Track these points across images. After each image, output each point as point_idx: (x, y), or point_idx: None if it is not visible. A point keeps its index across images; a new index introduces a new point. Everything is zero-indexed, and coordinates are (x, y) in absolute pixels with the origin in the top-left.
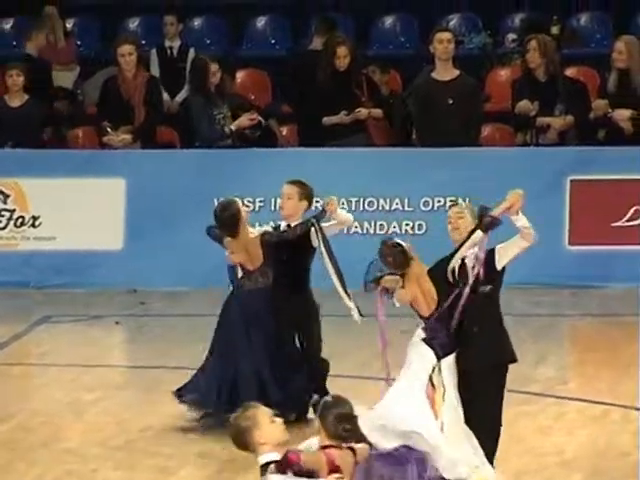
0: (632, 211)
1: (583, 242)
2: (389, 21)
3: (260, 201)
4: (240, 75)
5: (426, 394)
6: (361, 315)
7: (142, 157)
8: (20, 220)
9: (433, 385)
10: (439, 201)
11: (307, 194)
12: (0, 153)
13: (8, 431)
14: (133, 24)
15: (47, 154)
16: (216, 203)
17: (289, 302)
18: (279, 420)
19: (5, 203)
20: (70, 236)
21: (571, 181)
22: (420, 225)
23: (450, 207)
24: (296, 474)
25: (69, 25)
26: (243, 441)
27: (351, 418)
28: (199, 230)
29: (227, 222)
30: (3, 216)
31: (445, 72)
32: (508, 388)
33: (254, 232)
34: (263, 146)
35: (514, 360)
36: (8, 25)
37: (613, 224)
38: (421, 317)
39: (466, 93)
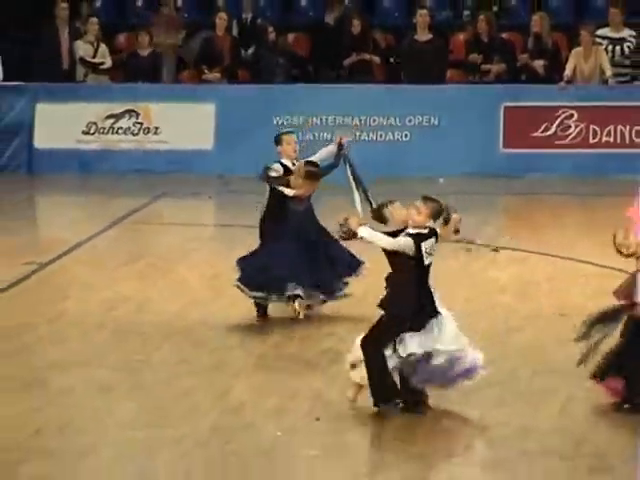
0: (543, 126)
1: (512, 146)
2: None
3: (303, 118)
4: (289, 36)
5: None
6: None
7: (226, 88)
8: (147, 129)
9: None
10: (418, 118)
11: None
12: (137, 86)
13: (144, 265)
14: (220, 1)
15: (165, 86)
16: (274, 120)
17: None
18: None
19: (137, 118)
20: (178, 140)
21: (504, 107)
22: (406, 134)
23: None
24: None
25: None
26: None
27: None
28: (263, 136)
29: (310, 174)
30: (136, 127)
31: (423, 35)
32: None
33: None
34: (304, 82)
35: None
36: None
37: (532, 134)
38: None
39: (436, 49)
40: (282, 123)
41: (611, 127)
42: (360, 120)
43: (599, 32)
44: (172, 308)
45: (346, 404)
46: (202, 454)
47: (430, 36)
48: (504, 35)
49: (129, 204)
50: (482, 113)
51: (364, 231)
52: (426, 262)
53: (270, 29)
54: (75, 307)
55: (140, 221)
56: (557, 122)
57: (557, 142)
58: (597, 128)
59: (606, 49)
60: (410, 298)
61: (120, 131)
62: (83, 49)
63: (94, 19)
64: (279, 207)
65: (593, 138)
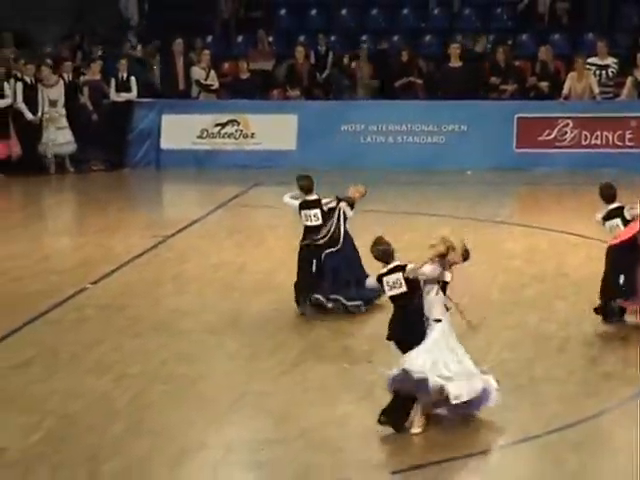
0: (547, 132)
1: (523, 147)
2: (428, 38)
3: (364, 125)
4: (354, 63)
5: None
6: None
7: (306, 103)
8: (245, 134)
9: None
10: (451, 126)
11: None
12: (238, 101)
13: (243, 237)
14: (301, 38)
15: (259, 102)
16: (342, 128)
17: None
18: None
19: (238, 126)
20: (269, 142)
21: (517, 117)
22: (442, 138)
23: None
24: None
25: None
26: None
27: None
28: (334, 139)
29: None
30: (237, 132)
31: (455, 63)
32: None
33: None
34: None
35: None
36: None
37: (538, 138)
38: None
39: (465, 74)
40: (348, 130)
41: (598, 132)
42: (407, 127)
43: (589, 60)
44: (264, 270)
45: None
46: (287, 380)
47: (460, 63)
48: (517, 62)
49: (232, 191)
50: (500, 122)
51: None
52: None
53: (346, 57)
54: (191, 269)
55: (240, 204)
56: (557, 129)
57: (557, 144)
58: (587, 133)
59: (594, 73)
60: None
61: (225, 136)
62: (198, 73)
63: (206, 50)
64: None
65: (585, 141)
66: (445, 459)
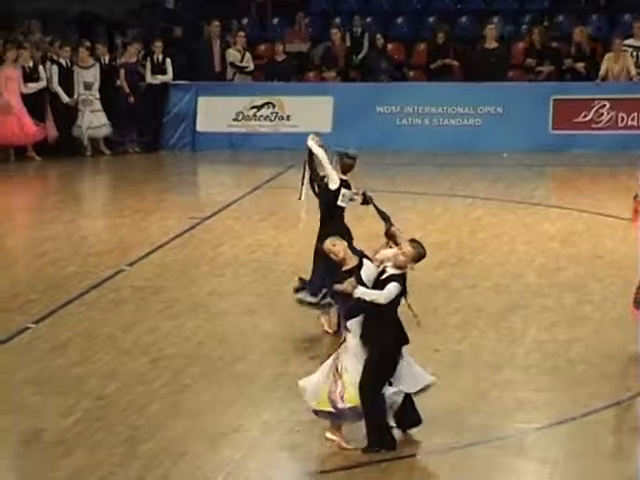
0: (583, 113)
1: (559, 128)
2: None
3: (399, 107)
4: (389, 45)
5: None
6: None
7: (341, 85)
8: (281, 117)
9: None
10: (487, 108)
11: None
12: (273, 84)
13: (278, 219)
14: (337, 20)
15: (295, 84)
16: (378, 110)
17: None
18: None
19: (274, 109)
20: (304, 124)
21: (553, 99)
22: (477, 120)
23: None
24: None
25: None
26: None
27: None
28: (369, 121)
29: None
30: (272, 115)
31: (491, 44)
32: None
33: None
34: (400, 80)
35: None
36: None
37: (574, 120)
38: None
39: (500, 54)
40: (383, 112)
41: (635, 114)
42: (443, 109)
43: (626, 42)
44: (299, 251)
45: None
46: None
47: (496, 45)
48: (553, 44)
49: (267, 173)
50: (536, 104)
51: (359, 291)
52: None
53: (378, 36)
54: (228, 250)
55: (275, 186)
56: (593, 110)
57: (593, 125)
58: (624, 115)
59: (631, 54)
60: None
61: (261, 118)
62: (233, 56)
63: (242, 33)
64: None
65: (621, 122)
66: (478, 441)
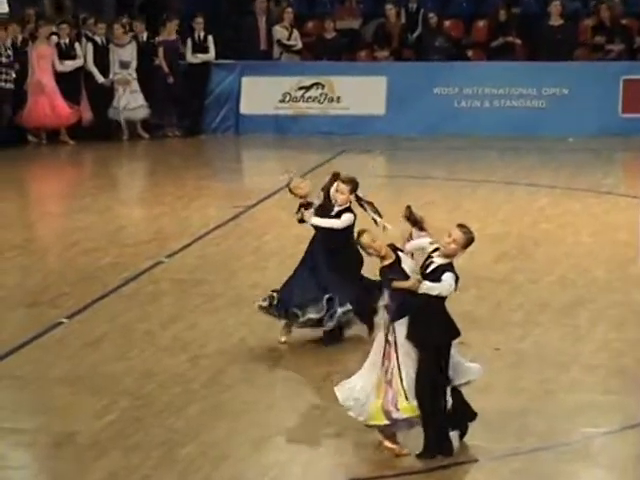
0: None
1: (629, 111)
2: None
3: (458, 88)
4: (447, 22)
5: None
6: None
7: (396, 65)
8: (330, 98)
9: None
10: (552, 89)
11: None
12: (323, 63)
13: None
14: None
15: (346, 63)
16: (434, 91)
17: None
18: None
19: (323, 89)
20: (356, 107)
21: (623, 79)
22: (542, 102)
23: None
24: None
25: None
26: None
27: None
28: (426, 103)
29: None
30: (322, 96)
31: (556, 21)
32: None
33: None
34: (459, 59)
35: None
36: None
37: None
38: None
39: (566, 32)
40: (440, 93)
41: None
42: (504, 90)
43: None
44: None
45: None
46: None
47: (562, 21)
48: (624, 21)
49: (315, 159)
50: (605, 85)
51: (424, 287)
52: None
53: (431, 15)
54: (272, 241)
55: (325, 173)
56: None
57: None
58: None
59: None
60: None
61: (309, 100)
62: (280, 33)
63: (289, 9)
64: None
65: None
66: (542, 446)
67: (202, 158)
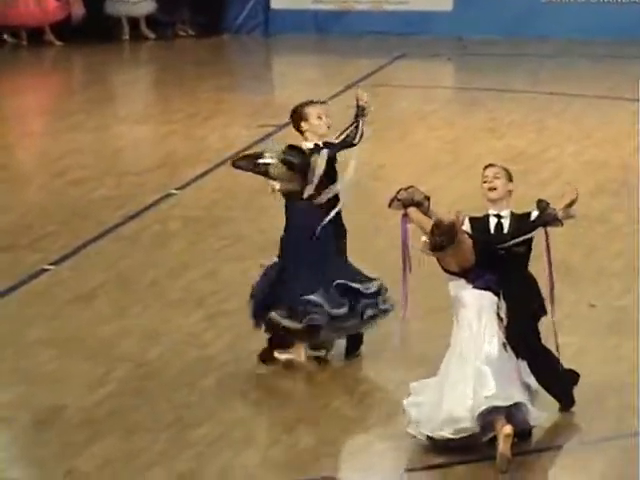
0: None
1: None
2: None
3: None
4: None
5: None
6: None
7: None
8: None
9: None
10: None
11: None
12: None
13: (379, 128)
14: None
15: None
16: None
17: None
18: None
19: None
20: (417, 1)
21: None
22: None
23: (486, 167)
24: None
25: None
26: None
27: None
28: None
29: None
30: None
31: None
32: None
33: None
34: None
35: None
36: None
37: None
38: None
39: None
40: None
41: None
42: None
43: None
44: (409, 172)
45: None
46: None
47: None
48: None
49: (365, 66)
50: None
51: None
52: None
53: None
54: None
55: (377, 83)
56: None
57: None
58: None
59: None
60: None
61: None
62: None
63: None
64: None
65: None
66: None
67: (222, 64)
